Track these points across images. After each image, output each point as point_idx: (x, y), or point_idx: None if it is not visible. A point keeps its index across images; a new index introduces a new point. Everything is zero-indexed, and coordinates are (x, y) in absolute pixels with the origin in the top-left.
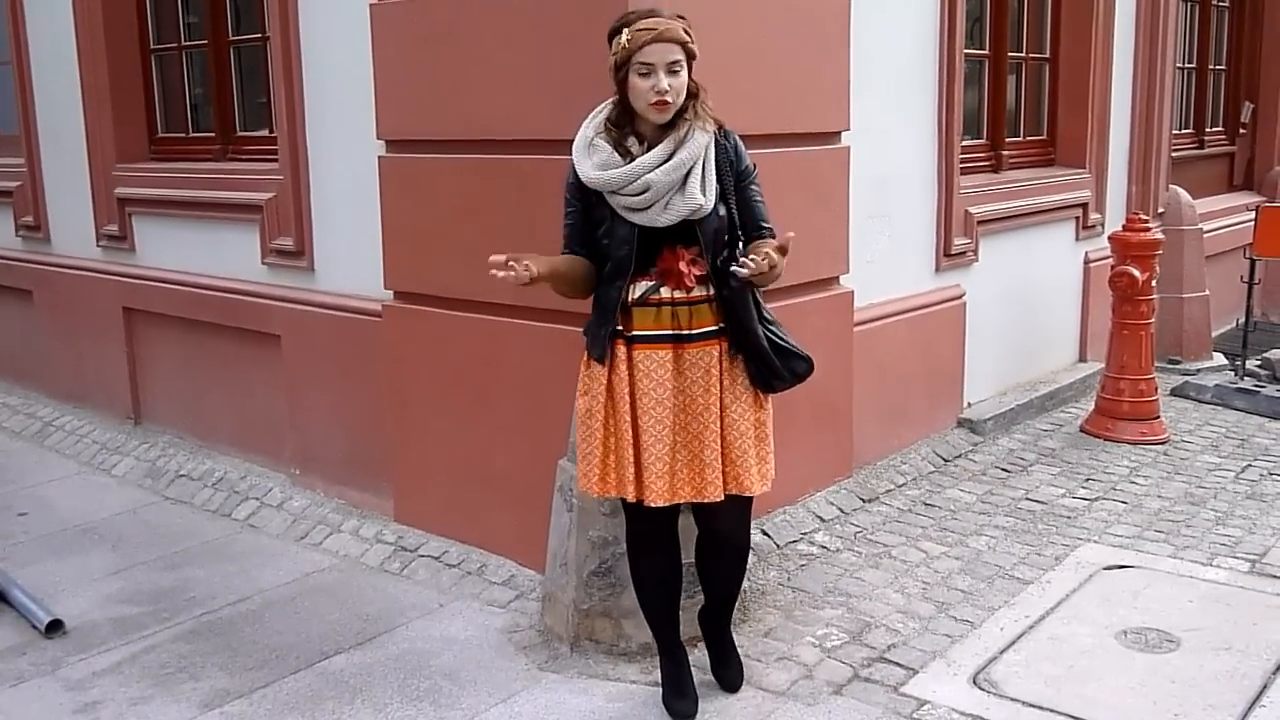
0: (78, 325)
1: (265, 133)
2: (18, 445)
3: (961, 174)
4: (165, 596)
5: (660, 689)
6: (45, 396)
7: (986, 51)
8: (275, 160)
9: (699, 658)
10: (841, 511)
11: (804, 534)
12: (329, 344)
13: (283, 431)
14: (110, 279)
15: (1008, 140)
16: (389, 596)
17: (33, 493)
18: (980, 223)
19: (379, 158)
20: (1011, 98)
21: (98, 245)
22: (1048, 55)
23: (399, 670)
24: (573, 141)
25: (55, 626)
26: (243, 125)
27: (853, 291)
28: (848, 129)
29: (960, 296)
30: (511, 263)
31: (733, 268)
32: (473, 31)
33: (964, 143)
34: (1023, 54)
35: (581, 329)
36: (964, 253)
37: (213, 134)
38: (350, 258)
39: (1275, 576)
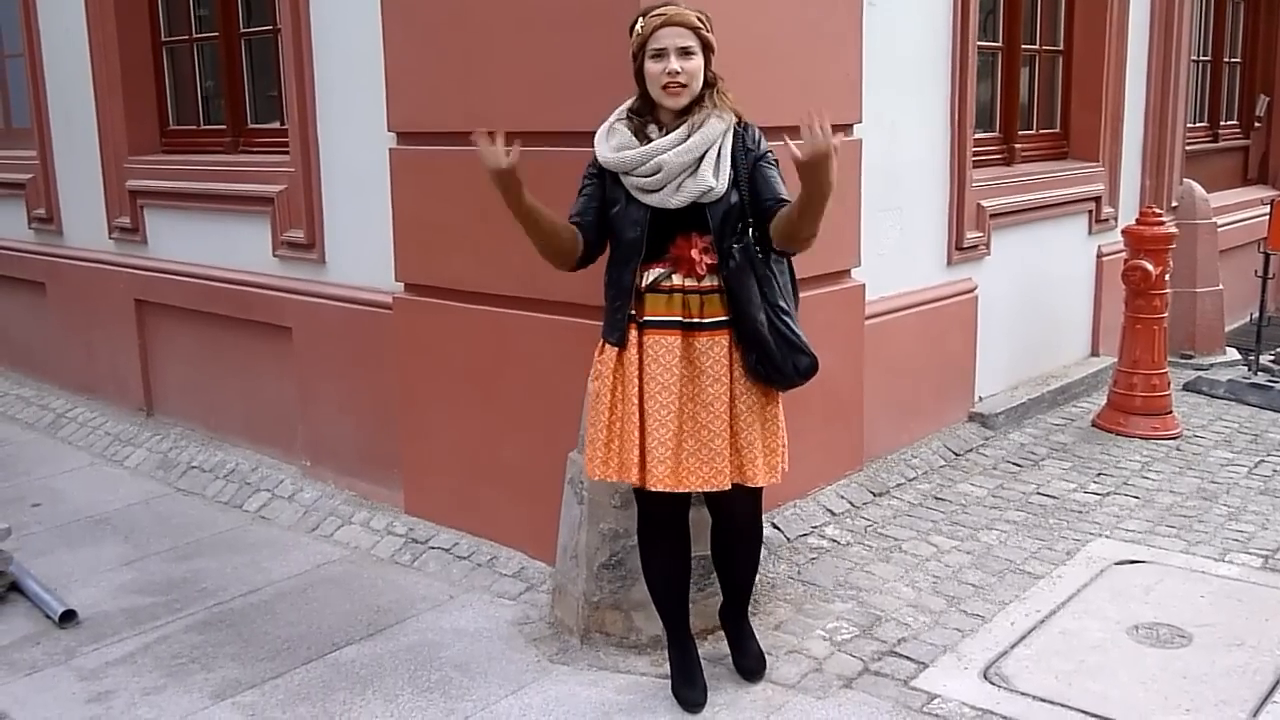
0: (90, 317)
1: (276, 125)
2: (31, 437)
3: (974, 167)
4: (177, 587)
5: (669, 681)
6: (58, 388)
7: (999, 44)
8: (286, 153)
9: (709, 650)
10: (852, 505)
11: (814, 527)
12: (340, 336)
13: (294, 423)
14: (122, 271)
15: (1020, 133)
16: (399, 588)
17: (46, 484)
18: (992, 216)
19: (390, 150)
20: (1024, 90)
21: (109, 237)
22: (1061, 48)
23: (410, 661)
24: (585, 133)
25: (68, 617)
26: (254, 118)
27: (864, 285)
28: (859, 121)
29: (972, 290)
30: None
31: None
32: (484, 23)
33: (976, 136)
34: (1036, 46)
35: (591, 320)
36: (976, 246)
37: (224, 126)
38: (361, 250)
39: None
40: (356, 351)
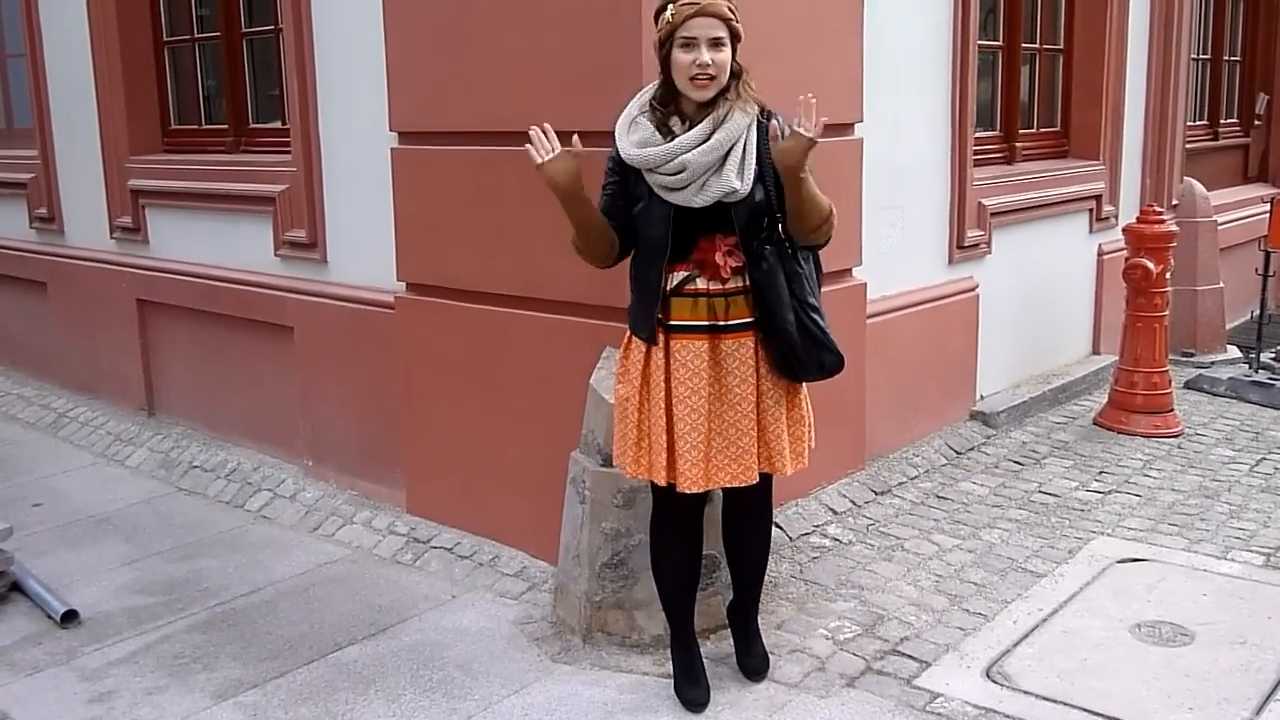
0: (91, 317)
1: (278, 125)
2: (32, 436)
3: (975, 166)
4: (179, 587)
5: (672, 680)
6: (59, 388)
7: (1000, 42)
8: (288, 152)
9: (711, 650)
10: (854, 504)
11: (816, 526)
12: (341, 336)
13: (295, 423)
14: (124, 271)
15: (1021, 132)
16: (401, 588)
17: (47, 484)
18: (994, 215)
19: (391, 149)
20: (1025, 89)
21: (111, 237)
22: (1062, 46)
23: (412, 661)
24: (587, 132)
25: (70, 617)
26: (255, 117)
27: (866, 284)
28: (861, 120)
29: (973, 289)
30: (547, 136)
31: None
32: (486, 23)
33: (977, 134)
34: (1036, 45)
35: (592, 319)
36: (977, 245)
37: (226, 126)
38: (363, 249)
39: None
40: (358, 351)
